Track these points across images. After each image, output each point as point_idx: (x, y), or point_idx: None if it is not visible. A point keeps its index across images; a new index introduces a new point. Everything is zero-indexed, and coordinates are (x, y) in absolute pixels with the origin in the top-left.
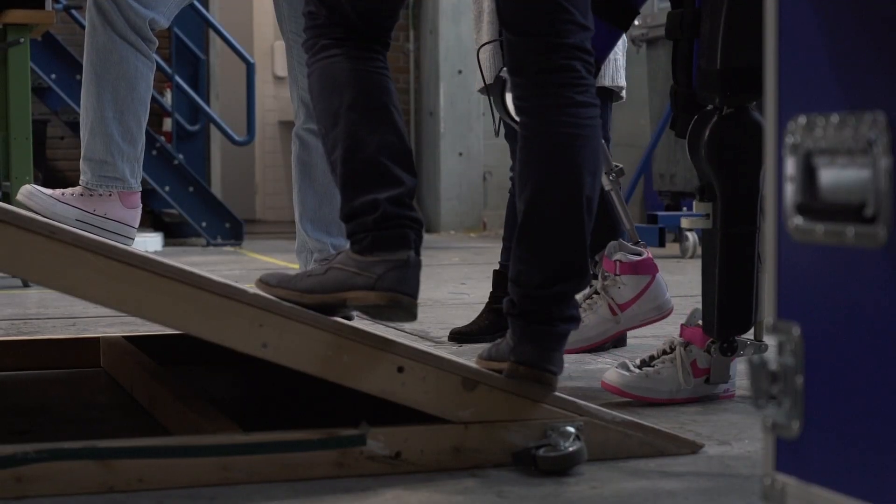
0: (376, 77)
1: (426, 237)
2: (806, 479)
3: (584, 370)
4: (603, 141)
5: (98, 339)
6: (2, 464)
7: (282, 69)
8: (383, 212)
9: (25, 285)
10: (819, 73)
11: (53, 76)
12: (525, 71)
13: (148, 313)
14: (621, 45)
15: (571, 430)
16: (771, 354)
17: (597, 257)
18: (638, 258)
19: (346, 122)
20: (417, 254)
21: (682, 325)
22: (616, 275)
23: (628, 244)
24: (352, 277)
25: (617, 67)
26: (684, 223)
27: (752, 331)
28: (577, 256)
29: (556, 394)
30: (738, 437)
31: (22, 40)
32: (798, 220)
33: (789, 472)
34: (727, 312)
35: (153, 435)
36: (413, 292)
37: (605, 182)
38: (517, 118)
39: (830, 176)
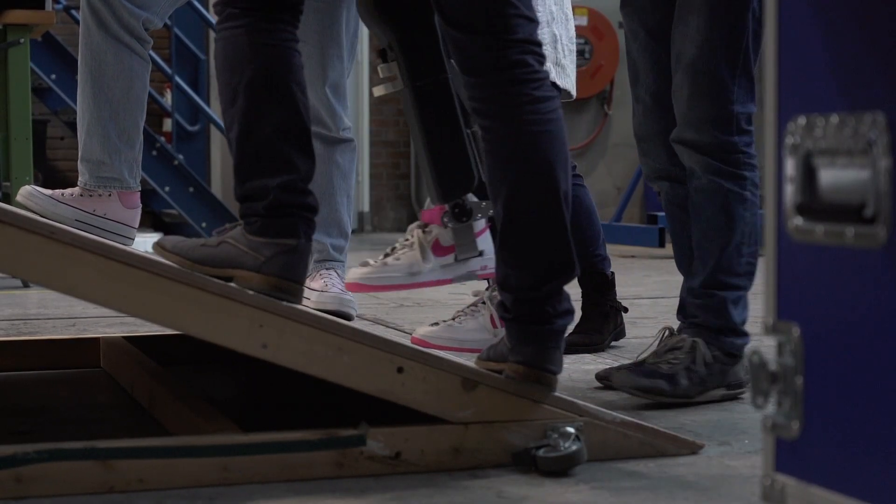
0: (279, 51)
1: None
2: (806, 479)
3: (584, 370)
4: None
5: (98, 339)
6: (2, 464)
7: None
8: (274, 198)
9: (25, 285)
10: (819, 74)
11: (53, 76)
12: (477, 69)
13: (148, 314)
14: (550, 39)
15: (571, 430)
16: (770, 355)
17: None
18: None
19: (242, 102)
20: (308, 240)
21: (422, 210)
22: None
23: None
24: (241, 255)
25: None
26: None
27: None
28: (562, 252)
29: (556, 394)
30: (738, 437)
31: (22, 40)
32: (798, 221)
33: (789, 472)
34: (442, 171)
35: (153, 435)
36: (299, 278)
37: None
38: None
39: (830, 176)
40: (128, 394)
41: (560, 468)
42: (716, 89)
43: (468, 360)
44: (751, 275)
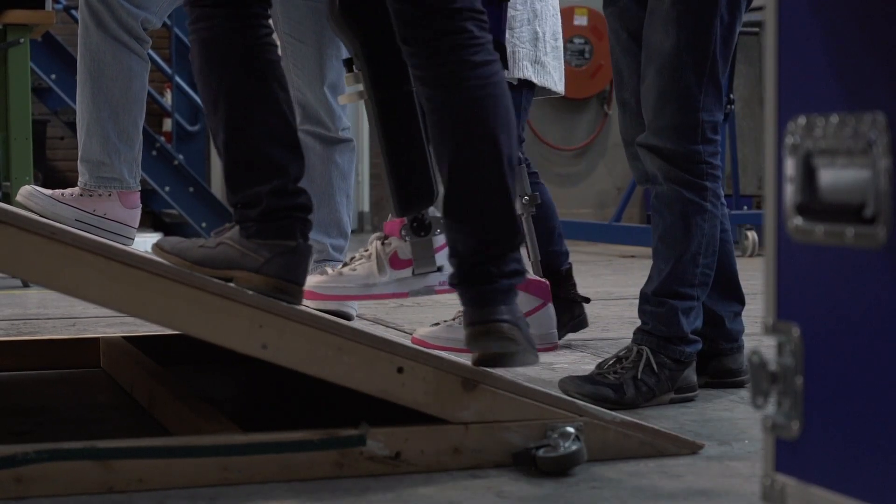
0: (255, 50)
1: None
2: (806, 479)
3: (583, 370)
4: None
5: (98, 339)
6: (2, 464)
7: None
8: (266, 206)
9: (25, 285)
10: (819, 74)
11: (53, 76)
12: (417, 39)
13: (148, 314)
14: (530, 37)
15: (571, 430)
16: (770, 355)
17: None
18: (534, 277)
19: (224, 109)
20: (306, 240)
21: (384, 223)
22: None
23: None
24: (241, 257)
25: (516, 59)
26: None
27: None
28: (506, 216)
29: (556, 394)
30: (738, 437)
31: (22, 40)
32: (798, 221)
33: (789, 472)
34: (402, 184)
35: (153, 435)
36: (298, 279)
37: (518, 206)
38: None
39: (830, 176)
40: (128, 394)
41: (560, 468)
42: (682, 96)
43: (468, 360)
44: (705, 286)
